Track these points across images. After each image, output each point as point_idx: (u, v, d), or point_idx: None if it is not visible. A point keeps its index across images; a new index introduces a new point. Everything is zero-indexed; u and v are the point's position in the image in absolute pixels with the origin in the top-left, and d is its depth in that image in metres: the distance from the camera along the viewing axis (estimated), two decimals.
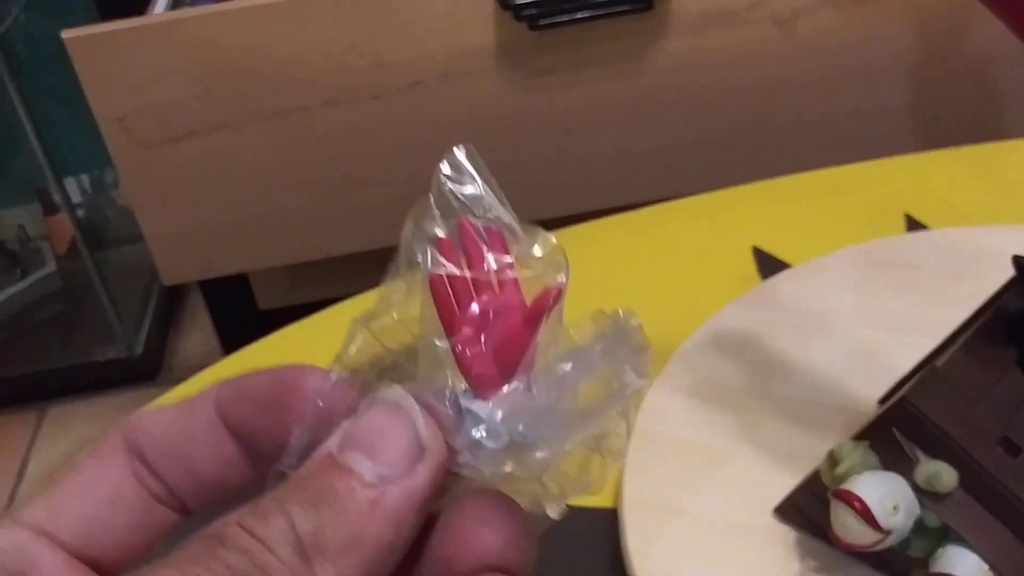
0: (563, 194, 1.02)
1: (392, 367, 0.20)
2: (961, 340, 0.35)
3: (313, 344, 0.57)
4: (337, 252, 1.04)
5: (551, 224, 0.72)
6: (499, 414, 0.18)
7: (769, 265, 0.60)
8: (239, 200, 0.98)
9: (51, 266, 1.70)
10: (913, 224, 0.62)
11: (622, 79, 0.96)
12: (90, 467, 0.22)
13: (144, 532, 0.22)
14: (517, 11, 0.89)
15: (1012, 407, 0.33)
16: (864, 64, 0.99)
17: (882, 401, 0.44)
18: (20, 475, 1.47)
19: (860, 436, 0.35)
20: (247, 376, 0.22)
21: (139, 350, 1.59)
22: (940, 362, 0.34)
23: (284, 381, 0.21)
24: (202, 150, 0.94)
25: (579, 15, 0.90)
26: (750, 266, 0.60)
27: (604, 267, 0.62)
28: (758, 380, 0.48)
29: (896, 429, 0.33)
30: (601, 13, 0.91)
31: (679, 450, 0.45)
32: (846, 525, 0.33)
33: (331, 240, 1.03)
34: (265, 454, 0.21)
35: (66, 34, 0.87)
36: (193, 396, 0.23)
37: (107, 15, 1.18)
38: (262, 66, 0.91)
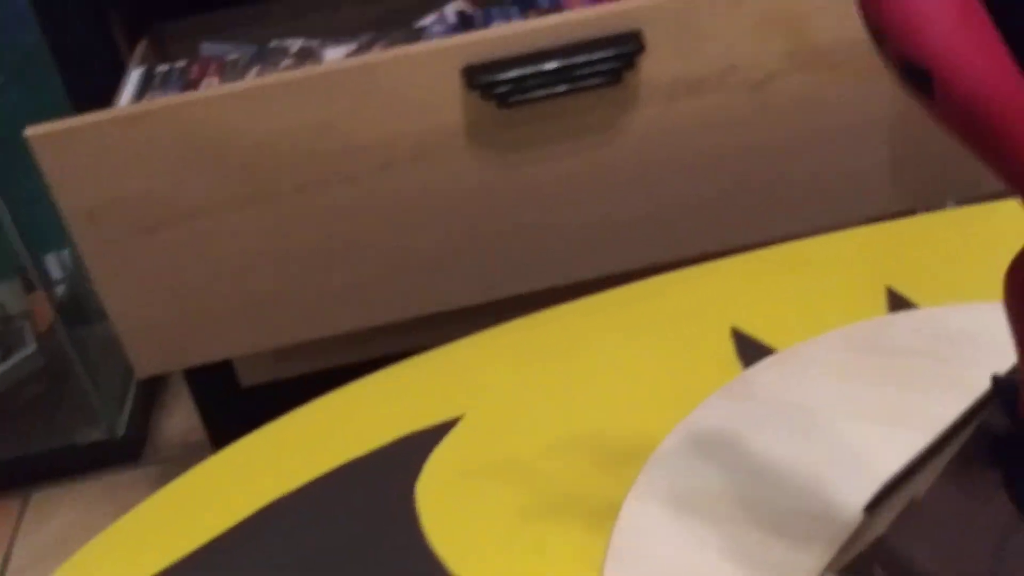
0: (538, 268, 1.00)
1: None
2: (942, 466, 0.33)
3: (281, 448, 0.55)
4: (316, 335, 1.02)
5: (527, 300, 0.70)
6: None
7: (749, 349, 0.58)
8: (213, 289, 0.97)
9: (32, 346, 1.67)
10: (895, 299, 0.60)
11: (594, 150, 0.95)
12: None
13: None
14: (484, 90, 0.89)
15: (999, 537, 0.32)
16: (839, 125, 0.98)
17: (867, 508, 0.43)
18: (5, 565, 1.44)
19: (843, 572, 0.33)
20: None
21: (121, 431, 1.56)
22: (920, 493, 0.32)
23: None
24: (174, 240, 0.93)
25: (547, 91, 0.89)
26: (729, 351, 0.58)
27: (572, 356, 0.60)
28: (740, 487, 0.47)
29: (879, 566, 0.32)
30: (569, 88, 0.90)
31: (659, 569, 0.43)
32: None
33: (310, 323, 1.01)
34: None
35: (30, 131, 0.86)
36: None
37: (77, 99, 1.17)
38: (232, 154, 0.90)
